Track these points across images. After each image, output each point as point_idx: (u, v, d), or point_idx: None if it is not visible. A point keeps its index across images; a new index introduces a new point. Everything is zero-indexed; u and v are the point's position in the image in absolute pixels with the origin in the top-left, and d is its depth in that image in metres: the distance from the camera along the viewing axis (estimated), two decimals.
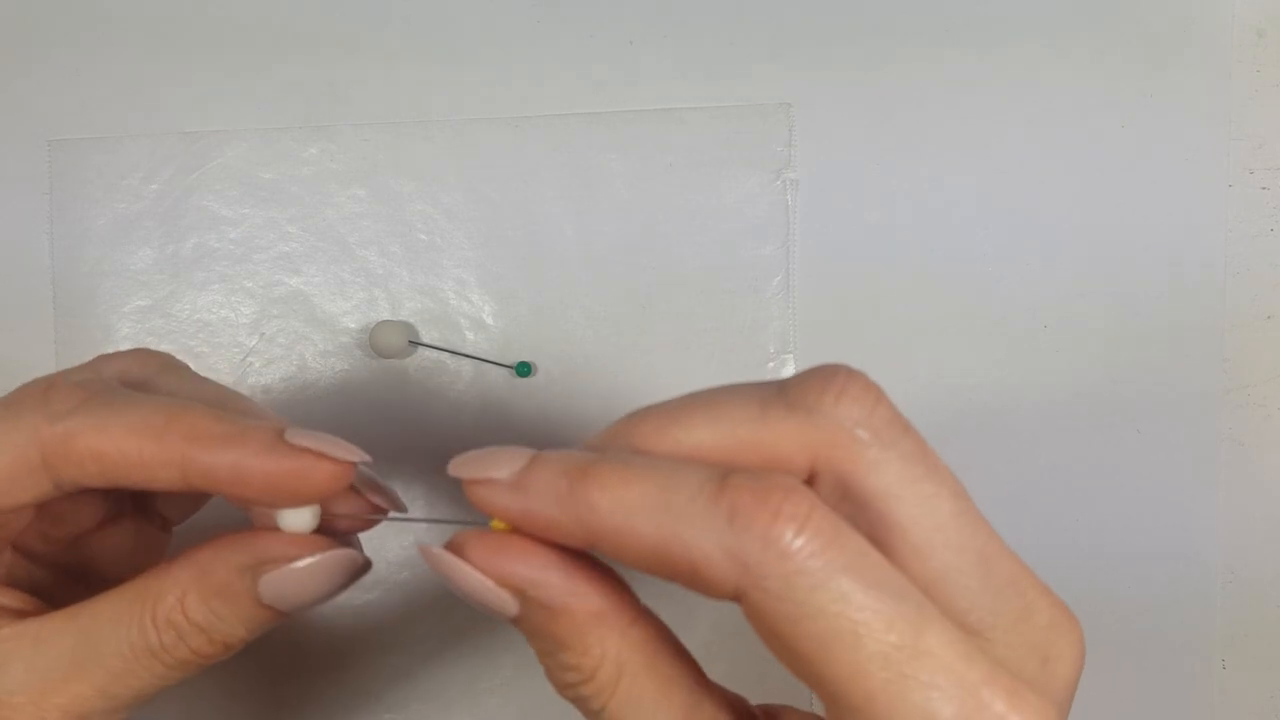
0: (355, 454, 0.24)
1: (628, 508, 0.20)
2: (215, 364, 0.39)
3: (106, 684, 0.24)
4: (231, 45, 0.39)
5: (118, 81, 0.39)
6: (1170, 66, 0.39)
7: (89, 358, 0.27)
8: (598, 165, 0.39)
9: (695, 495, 0.19)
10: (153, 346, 0.38)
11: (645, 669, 0.21)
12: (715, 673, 0.24)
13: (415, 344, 0.39)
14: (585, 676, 0.21)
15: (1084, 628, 0.22)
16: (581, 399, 0.39)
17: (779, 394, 0.21)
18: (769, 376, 0.38)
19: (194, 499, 0.31)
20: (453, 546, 0.21)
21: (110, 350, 0.28)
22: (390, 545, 0.39)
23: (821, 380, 0.21)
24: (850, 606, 0.18)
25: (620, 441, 0.21)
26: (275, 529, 0.24)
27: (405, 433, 0.39)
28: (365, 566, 0.25)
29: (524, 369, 0.39)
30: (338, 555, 0.24)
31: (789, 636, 0.19)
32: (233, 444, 0.23)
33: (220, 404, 0.25)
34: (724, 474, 0.19)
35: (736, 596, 0.19)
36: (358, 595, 0.39)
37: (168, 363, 0.27)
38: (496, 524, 0.22)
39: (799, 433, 0.20)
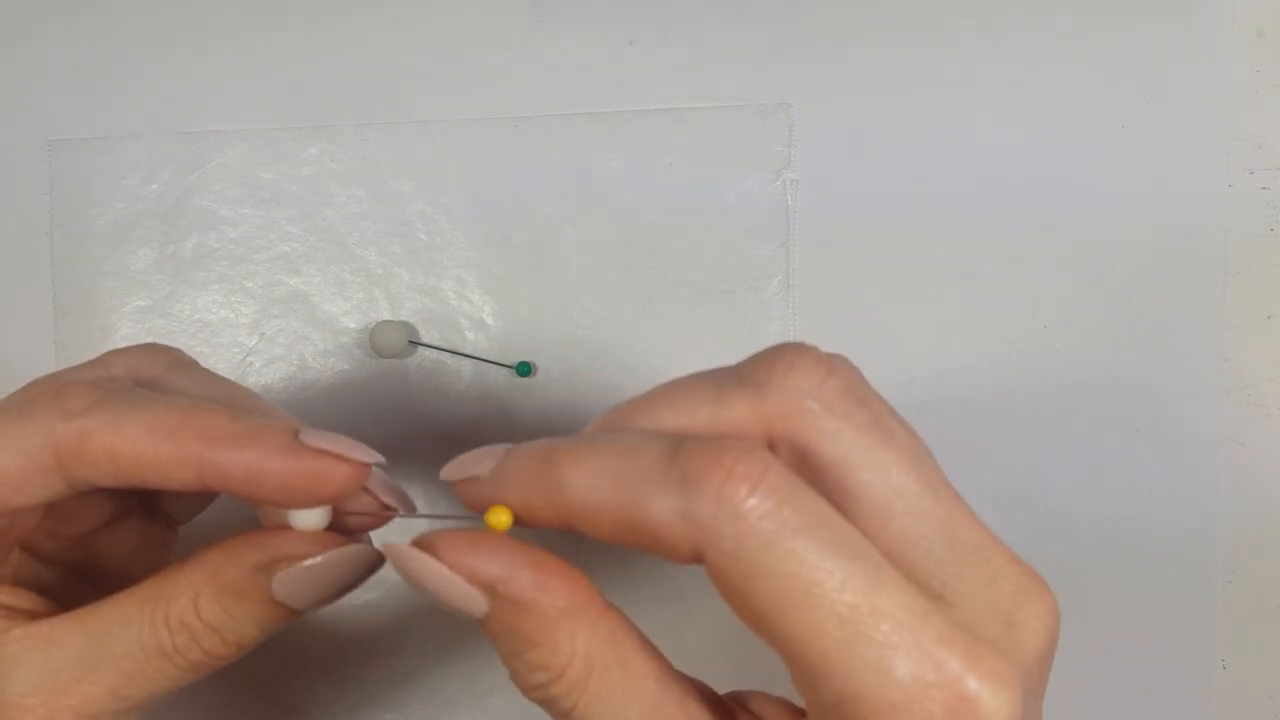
0: (370, 455, 0.24)
1: (590, 481, 0.20)
2: (215, 364, 0.39)
3: (118, 685, 0.24)
4: (231, 45, 0.39)
5: (118, 81, 0.39)
6: (1170, 66, 0.39)
7: (89, 358, 0.27)
8: (598, 165, 0.39)
9: (652, 463, 0.20)
10: None
11: (615, 663, 0.21)
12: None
13: (415, 344, 0.39)
14: (555, 675, 0.21)
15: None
16: (581, 399, 0.39)
17: (734, 374, 0.22)
18: None
19: (201, 498, 0.30)
20: (423, 545, 0.22)
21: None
22: None
23: (770, 357, 0.22)
24: (804, 566, 0.19)
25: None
26: (286, 527, 0.24)
27: (405, 433, 0.39)
28: (378, 562, 0.25)
29: (524, 369, 0.39)
30: (351, 551, 0.24)
31: (747, 595, 0.19)
32: (248, 445, 0.23)
33: (233, 402, 0.25)
34: (680, 440, 0.20)
35: (697, 559, 0.20)
36: (359, 595, 0.39)
37: (176, 359, 0.27)
38: (492, 518, 0.22)
39: (752, 408, 0.21)
